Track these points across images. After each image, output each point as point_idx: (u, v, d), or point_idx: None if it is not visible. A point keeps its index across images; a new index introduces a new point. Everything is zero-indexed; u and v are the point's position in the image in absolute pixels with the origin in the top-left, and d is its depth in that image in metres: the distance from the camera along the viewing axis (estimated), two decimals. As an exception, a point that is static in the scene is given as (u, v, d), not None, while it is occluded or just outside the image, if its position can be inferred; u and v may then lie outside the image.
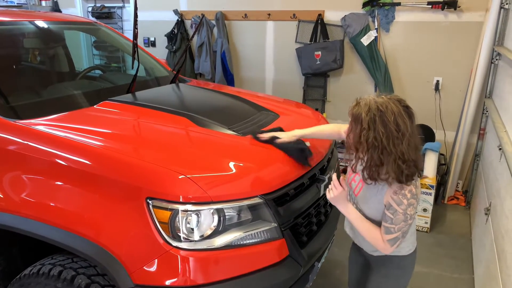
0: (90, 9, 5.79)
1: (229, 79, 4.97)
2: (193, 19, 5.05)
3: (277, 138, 1.91)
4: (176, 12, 5.08)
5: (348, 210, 1.66)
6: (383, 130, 1.44)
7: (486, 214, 2.82)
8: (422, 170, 1.57)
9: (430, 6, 3.92)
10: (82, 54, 3.27)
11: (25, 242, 2.00)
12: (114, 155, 1.61)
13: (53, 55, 2.71)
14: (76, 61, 3.02)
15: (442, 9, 3.88)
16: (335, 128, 1.97)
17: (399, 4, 4.04)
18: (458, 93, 4.05)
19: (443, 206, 4.07)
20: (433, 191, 3.51)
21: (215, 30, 4.91)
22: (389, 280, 1.78)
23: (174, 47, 5.10)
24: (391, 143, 1.44)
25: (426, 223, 3.58)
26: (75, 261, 1.74)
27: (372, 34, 4.20)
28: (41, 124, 1.83)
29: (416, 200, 1.55)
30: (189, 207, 1.52)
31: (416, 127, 1.52)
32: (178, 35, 5.10)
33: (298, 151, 1.88)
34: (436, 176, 3.71)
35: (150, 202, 1.51)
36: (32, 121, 1.85)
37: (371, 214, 1.66)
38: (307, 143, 1.95)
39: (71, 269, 1.70)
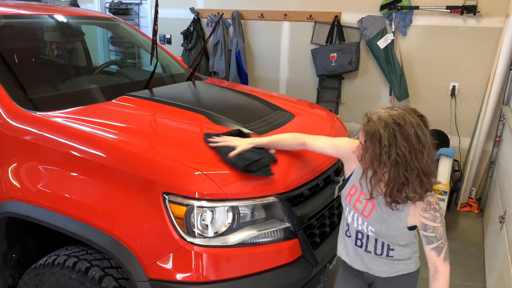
0: (107, 5, 5.84)
1: (243, 78, 4.98)
2: (209, 18, 5.07)
3: (230, 147, 1.69)
4: (192, 10, 5.11)
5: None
6: (406, 145, 1.35)
7: (500, 222, 2.78)
8: (436, 176, 1.52)
9: (449, 10, 3.88)
10: (99, 49, 3.30)
11: (40, 233, 2.03)
12: (132, 149, 1.63)
13: (72, 49, 2.74)
14: (93, 56, 3.05)
15: (461, 13, 3.83)
16: (299, 139, 1.79)
17: (417, 7, 4.01)
18: (475, 99, 4.00)
19: (456, 212, 4.02)
20: (446, 197, 3.48)
21: (230, 29, 4.93)
22: None
23: (190, 45, 5.13)
24: (414, 158, 1.36)
25: (438, 229, 3.54)
26: (90, 253, 1.77)
27: (388, 37, 4.17)
28: (60, 117, 1.85)
29: (441, 213, 1.50)
30: (204, 203, 1.52)
31: (430, 135, 1.43)
32: (194, 33, 5.12)
33: (242, 162, 1.63)
34: (450, 182, 3.67)
35: (166, 197, 1.52)
36: (51, 113, 1.88)
37: (390, 233, 1.55)
38: (272, 151, 1.81)
39: (85, 260, 1.72)
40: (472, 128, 4.03)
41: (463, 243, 3.47)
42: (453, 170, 3.99)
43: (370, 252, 1.62)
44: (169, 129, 1.90)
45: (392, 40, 4.17)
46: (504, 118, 3.68)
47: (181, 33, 5.19)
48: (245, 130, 1.90)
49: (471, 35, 3.89)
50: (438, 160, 3.66)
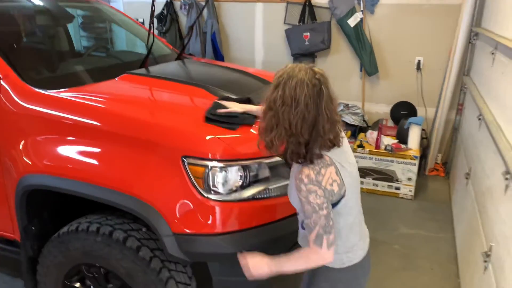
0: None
1: (219, 59, 5.10)
2: (182, 1, 5.13)
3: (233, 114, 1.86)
4: (165, -8, 5.15)
5: (271, 270, 1.48)
6: (281, 94, 1.32)
7: (466, 178, 3.12)
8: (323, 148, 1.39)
9: (413, -11, 4.17)
10: (80, 32, 3.35)
11: (55, 208, 2.14)
12: (152, 120, 1.78)
13: (64, 33, 2.80)
14: (78, 39, 3.11)
15: (424, -8, 4.13)
16: None
17: (383, -13, 4.27)
18: (438, 72, 4.34)
19: (425, 177, 4.39)
20: (417, 162, 3.81)
21: (205, 11, 5.02)
22: None
23: (164, 28, 5.18)
24: (283, 109, 1.31)
25: (410, 191, 3.89)
26: (110, 219, 1.92)
27: (358, 16, 4.41)
28: (73, 95, 1.96)
29: (321, 188, 1.35)
30: (219, 163, 1.71)
31: (330, 110, 1.35)
32: (167, 17, 5.18)
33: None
34: (419, 149, 4.00)
35: (185, 160, 1.69)
36: (65, 91, 1.98)
37: (294, 204, 1.52)
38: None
39: (107, 225, 1.87)
40: (437, 99, 4.38)
41: (434, 203, 3.83)
42: (421, 138, 4.34)
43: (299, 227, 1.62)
44: (177, 101, 2.06)
45: (361, 19, 4.42)
46: (465, 88, 4.04)
47: (155, 16, 5.23)
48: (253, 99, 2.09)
49: (434, 12, 4.20)
50: (408, 128, 3.97)
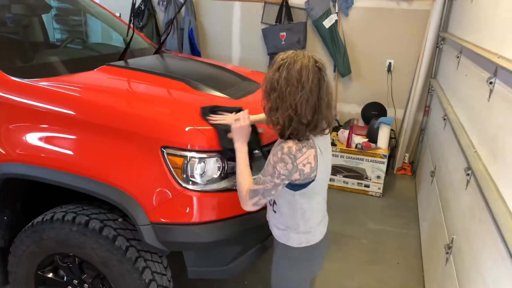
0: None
1: (197, 56, 5.12)
2: (160, -4, 5.11)
3: (227, 126, 1.77)
4: (141, -13, 5.12)
5: (241, 148, 1.65)
6: (285, 75, 1.42)
7: (431, 176, 3.28)
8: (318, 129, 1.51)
9: (385, -6, 4.32)
10: (58, 24, 3.32)
11: (27, 198, 2.12)
12: (132, 110, 1.81)
13: (41, 23, 2.76)
14: (57, 31, 3.07)
15: (396, -3, 4.30)
16: None
17: (358, -10, 4.41)
18: (407, 74, 4.52)
19: (393, 175, 4.56)
20: (385, 160, 3.96)
21: (182, 8, 5.02)
22: (278, 269, 1.74)
23: (141, 23, 5.15)
24: (288, 90, 1.42)
25: (379, 189, 4.03)
26: (86, 209, 1.92)
27: (333, 18, 4.53)
28: (51, 84, 1.95)
29: (292, 163, 1.46)
30: (197, 154, 1.74)
31: (328, 94, 1.48)
32: (145, 11, 5.15)
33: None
34: (388, 148, 4.16)
35: (164, 150, 1.72)
36: (42, 80, 1.96)
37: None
38: (260, 129, 1.94)
39: (83, 215, 1.88)
40: (406, 100, 4.55)
41: (400, 200, 3.99)
42: (390, 138, 4.50)
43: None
44: (157, 93, 2.08)
45: (336, 21, 4.54)
46: (432, 90, 4.23)
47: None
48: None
49: (404, 16, 4.37)
50: (378, 128, 4.12)
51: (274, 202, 1.65)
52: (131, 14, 2.44)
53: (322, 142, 1.56)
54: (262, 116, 1.81)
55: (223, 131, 1.78)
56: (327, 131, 1.55)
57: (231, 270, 1.98)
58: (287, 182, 1.51)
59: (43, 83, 1.92)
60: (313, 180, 1.53)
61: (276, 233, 1.70)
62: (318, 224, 1.68)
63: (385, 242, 3.27)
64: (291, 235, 1.64)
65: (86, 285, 1.98)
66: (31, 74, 2.00)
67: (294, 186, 1.54)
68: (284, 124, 1.47)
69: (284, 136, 1.51)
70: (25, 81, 1.93)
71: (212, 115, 1.85)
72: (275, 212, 1.67)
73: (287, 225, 1.64)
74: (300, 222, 1.61)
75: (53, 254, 1.95)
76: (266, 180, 1.50)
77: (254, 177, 1.64)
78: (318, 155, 1.50)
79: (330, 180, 4.07)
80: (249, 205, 1.59)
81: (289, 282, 1.72)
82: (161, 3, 5.14)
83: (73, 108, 1.83)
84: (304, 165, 1.47)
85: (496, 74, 1.94)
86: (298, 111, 1.43)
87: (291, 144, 1.46)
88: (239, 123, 1.69)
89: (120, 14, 5.37)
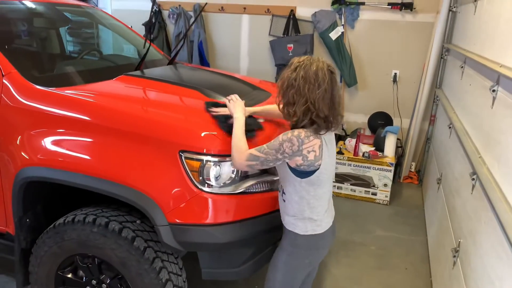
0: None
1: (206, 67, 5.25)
2: (171, 10, 5.26)
3: (227, 115, 1.96)
4: (153, 1, 5.27)
5: (239, 118, 1.84)
6: (303, 74, 1.61)
7: (438, 183, 3.34)
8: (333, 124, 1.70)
9: (390, 6, 4.44)
10: (74, 36, 3.45)
11: (49, 201, 2.21)
12: (151, 116, 1.91)
13: (59, 36, 2.89)
14: (72, 43, 3.20)
15: (400, 10, 4.41)
16: None
17: (363, 3, 4.53)
18: (413, 85, 4.61)
19: (399, 184, 4.62)
20: (392, 169, 4.02)
21: (192, 20, 5.16)
22: (283, 254, 1.85)
23: (152, 36, 5.29)
24: (306, 87, 1.61)
25: (386, 196, 4.09)
26: (105, 211, 2.01)
27: (339, 30, 4.65)
28: (77, 93, 2.05)
29: (298, 147, 1.62)
30: (213, 158, 1.83)
31: (338, 95, 1.68)
32: (156, 24, 5.30)
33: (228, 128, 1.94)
34: (395, 156, 4.22)
35: (182, 154, 1.81)
36: (63, 89, 2.07)
37: (281, 175, 1.80)
38: (260, 119, 2.11)
39: (103, 217, 1.96)
40: (411, 110, 4.63)
41: (408, 208, 4.04)
42: (396, 147, 4.57)
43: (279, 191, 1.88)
44: (174, 101, 2.19)
45: (342, 33, 4.65)
46: (437, 100, 4.30)
47: (143, 24, 5.33)
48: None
49: (409, 28, 4.48)
50: (384, 137, 4.19)
51: (283, 192, 1.80)
52: (149, 26, 2.55)
53: (328, 136, 1.75)
54: (260, 108, 2.11)
55: (223, 117, 1.96)
56: (336, 126, 1.74)
57: (243, 272, 2.05)
58: (287, 161, 1.68)
59: (68, 91, 2.03)
60: (317, 169, 1.68)
61: (285, 219, 1.84)
62: (324, 214, 1.81)
63: (393, 249, 3.32)
64: (298, 223, 1.78)
65: (104, 285, 2.05)
66: (55, 83, 2.11)
67: (301, 174, 1.69)
68: (299, 116, 1.65)
69: (297, 127, 1.68)
70: (50, 89, 2.04)
71: (213, 108, 2.03)
72: (284, 201, 1.81)
73: (294, 212, 1.78)
74: (306, 209, 1.76)
75: (74, 254, 2.03)
76: (269, 152, 1.67)
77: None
78: (323, 146, 1.68)
79: (338, 188, 4.16)
80: (243, 165, 1.74)
81: (288, 266, 1.84)
82: (171, 16, 5.28)
83: (97, 114, 1.93)
84: (308, 152, 1.64)
85: (498, 82, 2.01)
86: (316, 106, 1.62)
87: (301, 131, 1.65)
88: (232, 101, 1.94)
89: (131, 26, 5.55)
